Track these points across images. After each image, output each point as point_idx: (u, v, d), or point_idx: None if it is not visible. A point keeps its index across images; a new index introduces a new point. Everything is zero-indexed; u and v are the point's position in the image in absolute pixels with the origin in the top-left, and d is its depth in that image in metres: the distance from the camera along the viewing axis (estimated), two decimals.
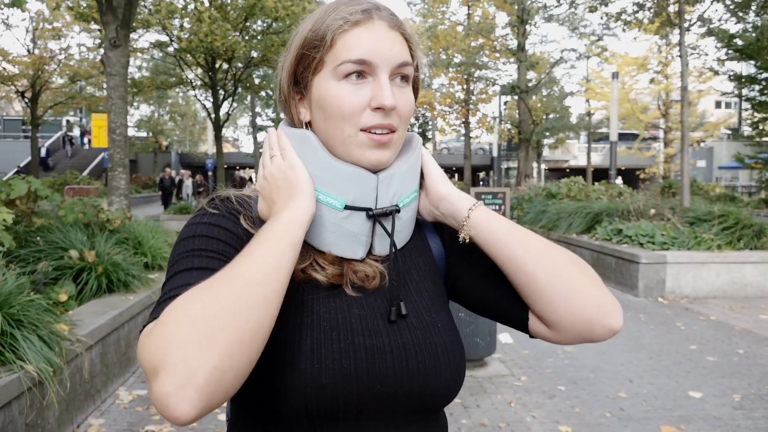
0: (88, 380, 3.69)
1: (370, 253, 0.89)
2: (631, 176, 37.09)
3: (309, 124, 0.89)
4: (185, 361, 0.61)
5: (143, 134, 37.41)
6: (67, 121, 37.79)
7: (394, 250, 0.88)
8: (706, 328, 6.16)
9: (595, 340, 0.84)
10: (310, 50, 0.85)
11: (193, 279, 0.74)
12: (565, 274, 0.84)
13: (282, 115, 0.96)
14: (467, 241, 0.90)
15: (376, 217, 0.86)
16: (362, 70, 0.83)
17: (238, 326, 0.64)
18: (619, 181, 24.40)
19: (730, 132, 35.25)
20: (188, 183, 24.31)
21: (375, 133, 0.84)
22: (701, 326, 6.22)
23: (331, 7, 0.85)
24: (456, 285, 0.98)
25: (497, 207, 12.31)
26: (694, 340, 5.70)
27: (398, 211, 0.88)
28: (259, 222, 0.87)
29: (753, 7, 12.98)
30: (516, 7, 21.04)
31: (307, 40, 0.85)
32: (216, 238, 0.82)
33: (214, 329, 0.63)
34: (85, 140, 36.60)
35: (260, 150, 29.94)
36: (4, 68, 22.82)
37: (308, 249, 0.86)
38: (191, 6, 15.08)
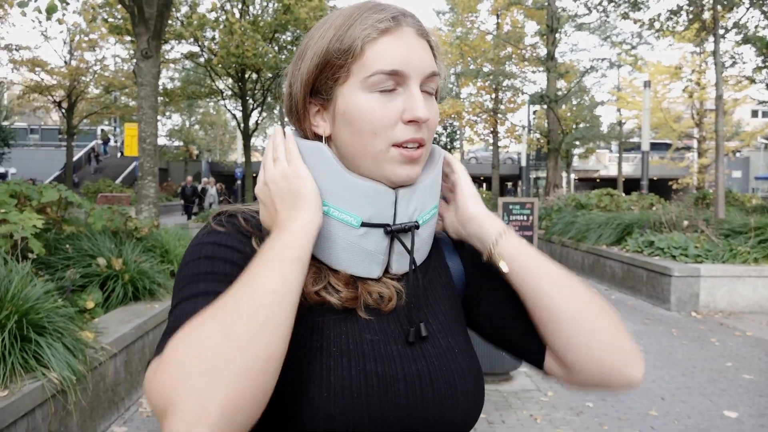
0: (111, 388, 3.72)
1: (386, 271, 0.85)
2: (663, 187, 36.32)
3: (327, 138, 0.84)
4: (195, 398, 0.57)
5: (175, 143, 38.09)
6: (102, 130, 38.77)
7: (414, 268, 0.83)
8: (742, 344, 5.95)
9: (611, 389, 0.80)
10: (335, 59, 0.79)
11: (199, 306, 0.69)
12: (591, 316, 0.80)
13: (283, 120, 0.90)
14: (503, 267, 0.85)
15: (395, 233, 0.82)
16: (393, 81, 0.79)
17: (247, 356, 0.60)
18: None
19: (767, 141, 34.33)
20: (212, 191, 22.91)
21: (406, 147, 0.79)
22: (737, 342, 6.01)
23: (356, 13, 0.80)
24: (473, 309, 0.93)
25: (525, 217, 12.20)
26: (730, 356, 5.50)
27: (417, 227, 0.83)
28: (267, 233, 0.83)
29: None
30: (546, 15, 20.88)
31: (331, 47, 0.80)
32: (222, 258, 0.77)
33: (222, 362, 0.59)
34: (107, 149, 37.35)
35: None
36: (42, 79, 23.51)
37: (321, 269, 0.82)
38: (222, 18, 15.34)
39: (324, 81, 0.81)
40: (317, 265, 0.81)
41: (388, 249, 0.83)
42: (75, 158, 32.08)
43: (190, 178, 22.81)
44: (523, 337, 0.86)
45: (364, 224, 0.80)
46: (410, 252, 0.83)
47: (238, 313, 0.63)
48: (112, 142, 40.20)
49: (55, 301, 3.39)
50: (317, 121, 0.84)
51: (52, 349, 3.03)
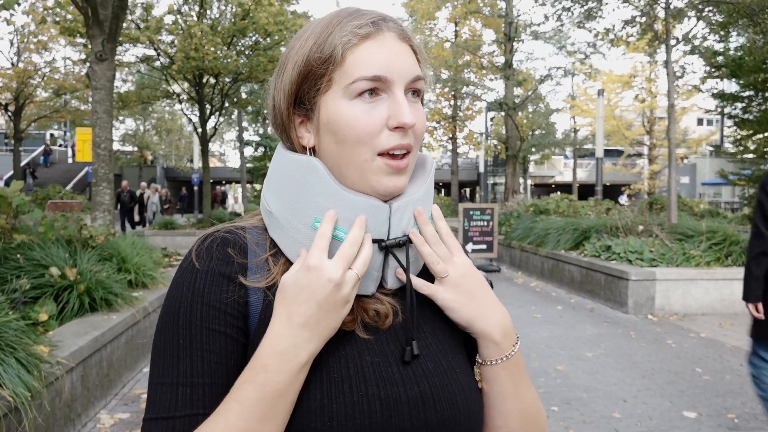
0: (68, 404, 3.56)
1: (380, 287, 0.82)
2: (616, 192, 37.40)
3: (312, 150, 0.81)
4: None
5: (129, 149, 37.13)
6: (51, 134, 37.40)
7: (409, 284, 0.81)
8: (696, 345, 6.13)
9: None
10: (316, 68, 0.77)
11: (179, 400, 0.72)
12: None
13: (270, 130, 0.87)
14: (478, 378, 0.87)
15: (389, 248, 0.80)
16: (376, 87, 0.76)
17: None
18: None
19: (712, 149, 35.74)
20: (154, 199, 20.41)
21: (393, 155, 0.77)
22: (692, 344, 6.19)
23: (334, 20, 0.78)
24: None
25: (486, 223, 12.32)
26: (686, 358, 5.66)
27: (411, 241, 0.81)
28: (254, 265, 0.79)
29: (735, 28, 13.19)
30: (503, 24, 21.26)
31: (311, 56, 0.77)
32: (201, 325, 0.74)
33: None
34: (49, 159, 35.02)
35: (248, 164, 29.46)
36: None
37: None
38: (180, 21, 15.04)
39: (306, 91, 0.79)
40: None
41: (382, 264, 0.81)
42: (23, 163, 30.82)
43: (125, 182, 20.34)
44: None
45: None
46: (405, 268, 0.80)
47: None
48: (61, 147, 38.88)
49: (6, 315, 3.23)
50: (302, 133, 0.82)
51: (4, 365, 2.88)
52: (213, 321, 0.74)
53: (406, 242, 0.80)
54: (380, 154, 0.76)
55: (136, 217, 20.03)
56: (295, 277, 0.72)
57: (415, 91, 0.80)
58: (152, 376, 0.75)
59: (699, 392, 4.68)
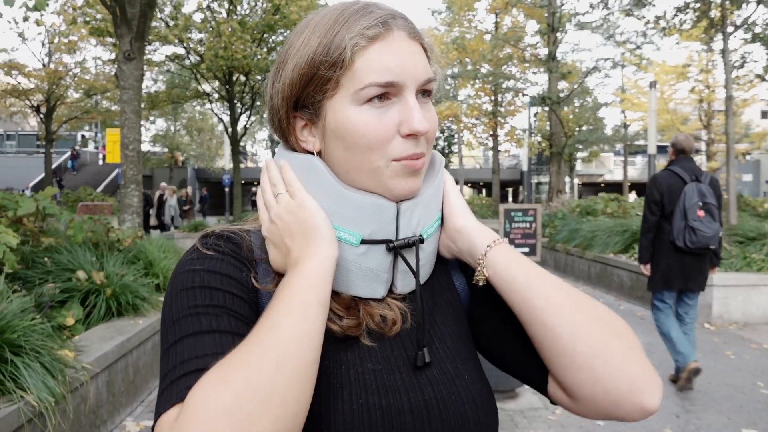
0: (93, 410, 3.65)
1: (390, 291, 0.82)
2: None
3: (318, 153, 0.81)
4: None
5: (159, 149, 38.02)
6: (82, 136, 38.47)
7: (418, 287, 0.80)
8: (759, 357, 5.93)
9: (623, 419, 0.73)
10: (322, 71, 0.76)
11: (207, 347, 0.68)
12: (595, 336, 0.73)
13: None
14: (480, 283, 0.81)
15: (398, 249, 0.79)
16: (386, 92, 0.75)
17: (277, 413, 0.60)
18: (632, 196, 23.96)
19: None
20: (172, 202, 18.73)
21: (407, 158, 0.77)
22: (754, 355, 5.99)
23: (341, 18, 0.76)
24: (477, 331, 0.89)
25: (528, 224, 12.19)
26: (746, 370, 5.47)
27: (422, 241, 0.80)
28: (262, 266, 0.80)
29: None
30: (546, 13, 21.00)
31: (316, 58, 0.76)
32: (221, 289, 0.74)
33: (252, 420, 0.59)
34: (77, 164, 35.31)
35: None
36: (20, 82, 23.44)
37: None
38: (209, 18, 15.33)
39: (310, 94, 0.78)
40: None
41: (391, 267, 0.80)
42: (54, 165, 31.76)
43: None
44: (523, 360, 0.83)
45: (364, 241, 0.78)
46: (415, 271, 0.80)
47: (266, 366, 0.62)
48: (92, 148, 40.01)
49: (32, 319, 3.34)
50: (305, 137, 0.81)
51: (29, 370, 2.97)
52: (232, 286, 0.75)
53: (416, 242, 0.79)
54: (394, 160, 0.77)
55: (153, 221, 18.78)
56: (269, 232, 0.79)
57: (425, 92, 0.80)
58: (164, 343, 0.71)
59: (760, 408, 4.52)
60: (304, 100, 0.79)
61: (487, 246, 0.81)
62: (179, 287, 0.74)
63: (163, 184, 19.34)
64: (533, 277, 0.77)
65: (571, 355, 0.73)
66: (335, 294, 0.79)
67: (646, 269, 4.97)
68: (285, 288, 0.70)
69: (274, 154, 0.90)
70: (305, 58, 0.77)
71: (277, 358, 0.62)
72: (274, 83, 0.82)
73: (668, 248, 4.77)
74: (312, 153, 0.81)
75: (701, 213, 4.63)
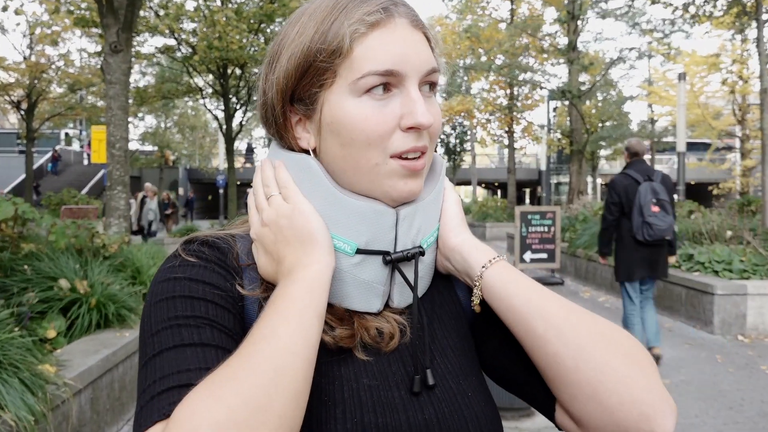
0: (76, 429, 3.67)
1: (387, 305, 0.82)
2: (702, 192, 36.36)
3: (313, 152, 0.81)
4: None
5: (149, 148, 38.19)
6: (66, 134, 38.63)
7: (416, 302, 0.80)
8: None
9: None
10: (319, 61, 0.76)
11: (190, 361, 0.68)
12: (601, 361, 0.72)
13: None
14: (476, 308, 0.83)
15: (395, 263, 0.79)
16: (387, 82, 0.76)
17: (272, 430, 0.60)
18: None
19: None
20: (152, 205, 17.70)
21: (407, 158, 0.77)
22: None
23: (339, 4, 0.77)
24: (480, 348, 0.90)
25: (546, 228, 12.18)
26: None
27: (422, 253, 0.81)
28: (248, 272, 0.80)
29: None
30: (566, 0, 20.99)
31: (312, 47, 0.76)
32: (203, 299, 0.74)
33: None
34: (58, 167, 35.06)
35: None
36: None
37: None
38: (202, 6, 15.40)
39: (306, 86, 0.78)
40: None
41: (388, 278, 0.80)
42: (36, 166, 31.74)
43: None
44: (529, 383, 0.83)
45: (359, 251, 0.78)
46: (413, 287, 0.80)
47: (259, 379, 0.62)
48: (77, 147, 40.18)
49: (10, 331, 3.37)
50: (300, 133, 0.82)
51: (7, 386, 3.00)
52: (215, 295, 0.75)
53: (415, 255, 0.80)
54: (392, 156, 0.77)
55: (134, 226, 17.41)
56: (259, 237, 0.79)
57: (430, 85, 0.80)
58: (143, 357, 0.71)
59: None
60: (299, 92, 0.79)
61: (482, 267, 0.81)
62: (158, 297, 0.75)
63: (148, 184, 18.80)
64: (534, 301, 0.77)
65: (577, 385, 0.73)
66: (328, 306, 0.78)
67: (604, 261, 6.26)
68: (280, 297, 0.70)
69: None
70: (301, 47, 0.77)
71: (273, 369, 0.62)
72: (268, 76, 0.82)
73: (630, 242, 5.76)
74: (307, 151, 0.81)
75: (655, 209, 5.63)
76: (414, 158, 0.77)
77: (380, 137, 0.75)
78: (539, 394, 0.82)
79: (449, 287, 0.92)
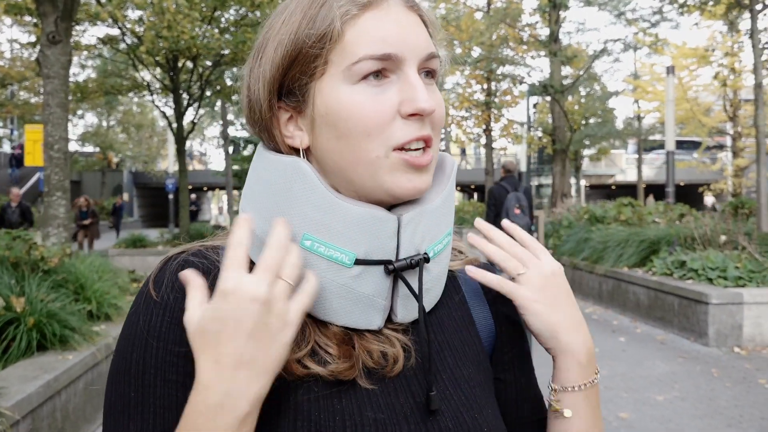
0: None
1: (389, 320, 0.81)
2: (692, 194, 37.07)
3: (306, 151, 0.80)
4: None
5: (89, 149, 37.61)
6: None
7: (422, 314, 0.80)
8: None
9: None
10: (308, 47, 0.75)
11: None
12: None
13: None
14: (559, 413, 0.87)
15: (398, 272, 0.78)
16: (383, 68, 0.75)
17: None
18: (650, 200, 24.34)
19: None
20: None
21: (410, 149, 0.76)
22: None
23: None
24: (495, 383, 0.92)
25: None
26: None
27: (427, 260, 0.79)
28: None
29: None
30: None
31: (300, 33, 0.76)
32: (156, 378, 0.74)
33: None
34: None
35: (234, 166, 29.63)
36: None
37: (305, 323, 0.76)
38: None
39: (295, 77, 0.78)
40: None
41: (390, 291, 0.79)
42: None
43: (16, 190, 16.15)
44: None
45: (358, 261, 0.76)
46: (419, 297, 0.79)
47: None
48: (7, 148, 39.40)
49: None
50: (290, 131, 0.81)
51: None
52: (170, 369, 0.74)
53: (420, 262, 0.78)
54: (395, 149, 0.76)
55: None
56: (212, 310, 0.67)
57: (428, 72, 0.80)
58: (106, 400, 0.76)
59: None
60: (288, 84, 0.78)
61: (579, 386, 0.86)
62: (122, 352, 0.77)
63: (15, 190, 16.44)
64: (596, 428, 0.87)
65: None
66: (323, 325, 0.78)
67: None
68: (209, 410, 0.67)
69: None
70: (288, 35, 0.77)
71: None
72: (253, 70, 0.81)
73: None
74: (298, 152, 0.80)
75: (517, 211, 9.11)
76: (418, 151, 0.77)
77: (379, 126, 0.75)
78: None
79: (463, 308, 0.91)
